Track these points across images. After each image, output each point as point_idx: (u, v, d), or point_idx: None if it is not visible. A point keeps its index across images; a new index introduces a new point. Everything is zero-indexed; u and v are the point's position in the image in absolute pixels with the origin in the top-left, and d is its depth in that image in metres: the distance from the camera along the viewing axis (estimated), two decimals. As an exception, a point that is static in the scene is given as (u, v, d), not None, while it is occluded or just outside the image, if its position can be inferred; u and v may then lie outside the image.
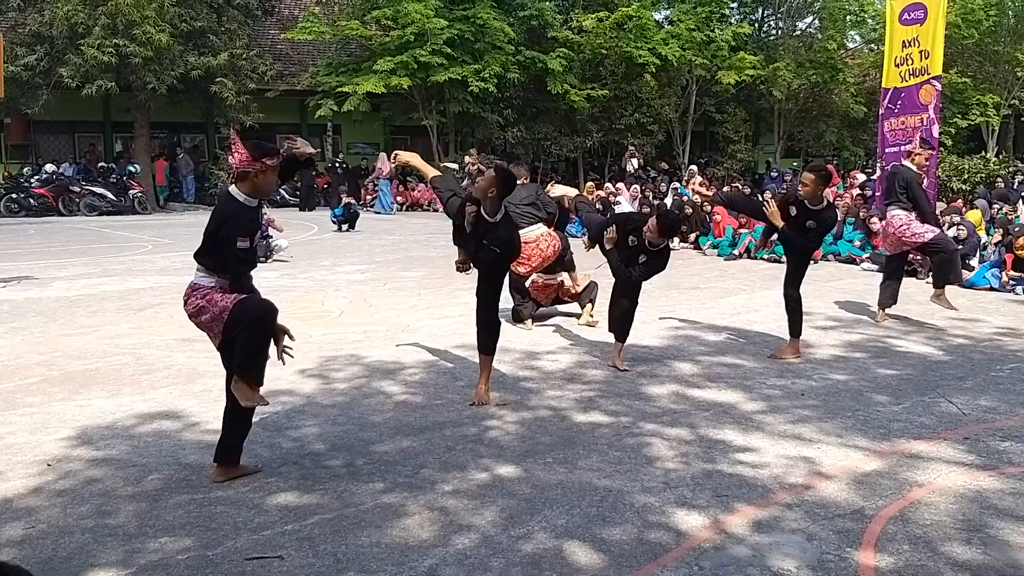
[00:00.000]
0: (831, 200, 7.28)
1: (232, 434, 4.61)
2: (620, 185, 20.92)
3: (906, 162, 8.99)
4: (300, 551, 3.77)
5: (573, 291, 8.94)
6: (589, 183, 22.61)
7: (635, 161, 24.79)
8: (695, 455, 4.96)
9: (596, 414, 5.77)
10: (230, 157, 4.45)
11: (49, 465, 4.80)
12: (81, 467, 4.78)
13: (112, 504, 4.28)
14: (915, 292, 10.44)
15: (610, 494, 4.38)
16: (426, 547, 3.81)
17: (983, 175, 19.49)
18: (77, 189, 23.68)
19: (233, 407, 4.55)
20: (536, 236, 8.13)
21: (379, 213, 24.17)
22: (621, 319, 7.00)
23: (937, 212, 9.44)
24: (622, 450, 5.05)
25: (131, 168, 25.01)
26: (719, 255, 15.07)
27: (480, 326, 6.01)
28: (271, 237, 13.69)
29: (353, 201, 20.64)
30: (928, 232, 8.73)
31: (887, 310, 9.01)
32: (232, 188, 4.43)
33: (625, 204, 18.12)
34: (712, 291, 11.04)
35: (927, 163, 9.40)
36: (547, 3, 27.29)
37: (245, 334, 4.35)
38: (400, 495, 4.38)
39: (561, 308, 9.30)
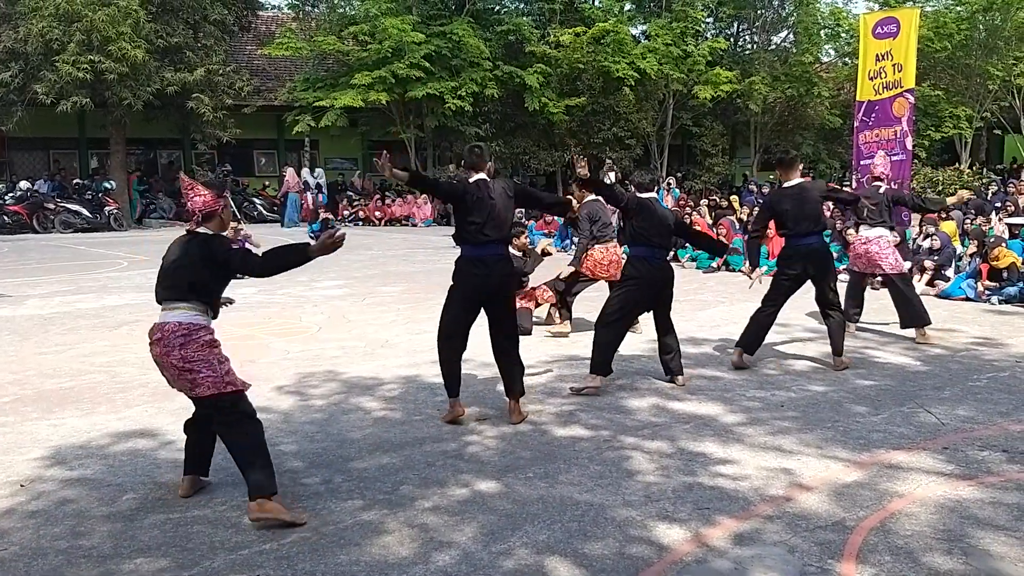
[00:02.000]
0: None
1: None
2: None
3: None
4: (278, 570, 3.72)
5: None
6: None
7: (612, 175, 24.83)
8: (676, 468, 4.95)
9: (576, 428, 5.75)
10: (190, 202, 4.42)
11: (22, 486, 4.73)
12: (54, 487, 4.71)
13: (86, 525, 4.22)
14: (891, 303, 10.48)
15: (591, 508, 4.36)
16: (406, 565, 3.78)
17: (957, 186, 19.69)
18: (52, 206, 23.44)
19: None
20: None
21: (285, 227, 24.04)
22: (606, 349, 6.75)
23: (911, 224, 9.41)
24: (603, 464, 5.03)
25: (106, 185, 24.81)
26: (698, 268, 15.11)
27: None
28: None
29: (331, 217, 20.59)
30: (901, 267, 8.88)
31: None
32: (202, 230, 4.43)
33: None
34: (691, 304, 11.06)
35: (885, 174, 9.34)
36: (524, 18, 27.39)
37: (240, 431, 4.34)
38: (379, 512, 4.34)
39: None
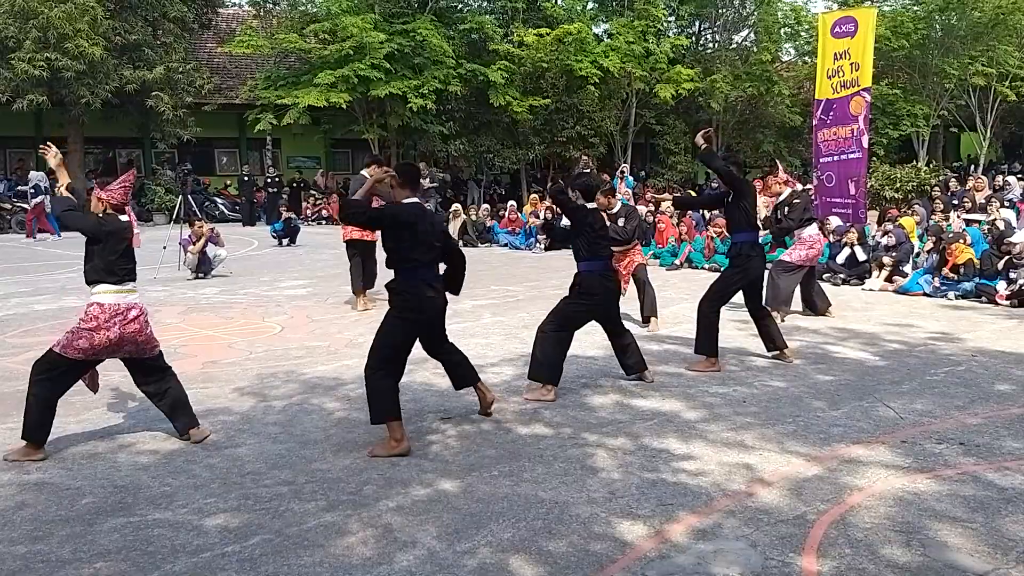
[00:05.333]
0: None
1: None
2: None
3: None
4: (241, 573, 3.70)
5: None
6: (533, 195, 22.68)
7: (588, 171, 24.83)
8: (638, 465, 4.98)
9: (539, 426, 5.76)
10: (104, 193, 5.33)
11: (-23, 491, 4.65)
12: (11, 492, 4.63)
13: (44, 529, 4.15)
14: (851, 299, 10.64)
15: (555, 506, 4.37)
16: (370, 565, 3.76)
17: (915, 183, 19.97)
18: (8, 206, 23.07)
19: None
20: None
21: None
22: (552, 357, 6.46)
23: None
24: (566, 462, 5.04)
25: (64, 184, 24.35)
26: (661, 265, 15.19)
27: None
28: (205, 251, 13.47)
29: (293, 216, 20.43)
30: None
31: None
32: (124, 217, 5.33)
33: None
34: (654, 301, 11.09)
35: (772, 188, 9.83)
36: (487, 17, 27.35)
37: None
38: (342, 513, 4.32)
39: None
